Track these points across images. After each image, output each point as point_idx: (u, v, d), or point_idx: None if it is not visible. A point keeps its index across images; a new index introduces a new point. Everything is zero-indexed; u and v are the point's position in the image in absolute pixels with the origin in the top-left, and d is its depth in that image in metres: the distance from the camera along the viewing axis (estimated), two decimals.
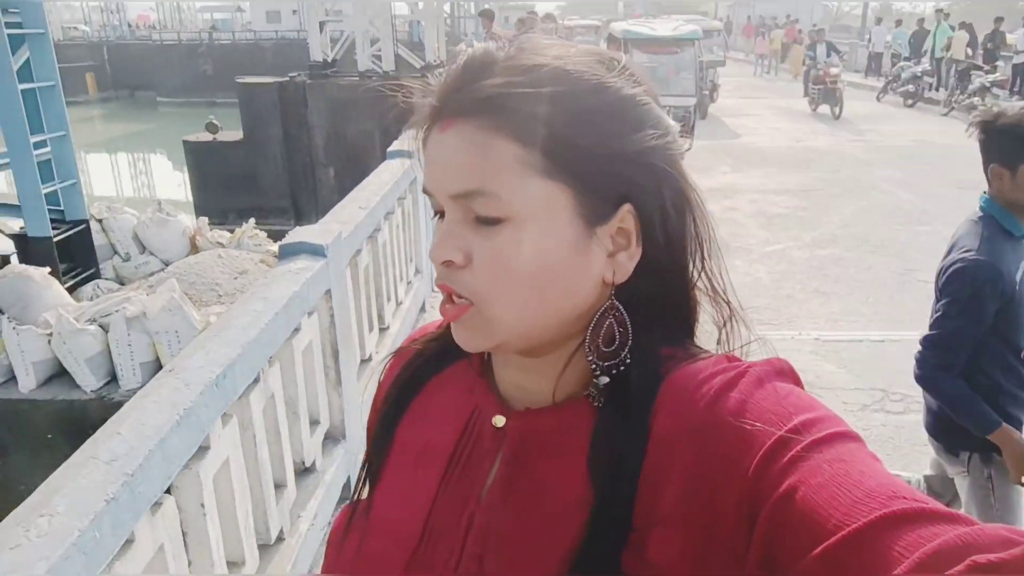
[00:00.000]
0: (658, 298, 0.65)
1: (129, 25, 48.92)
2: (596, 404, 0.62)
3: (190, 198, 20.03)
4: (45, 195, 5.48)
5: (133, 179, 28.75)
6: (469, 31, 31.73)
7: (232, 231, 6.38)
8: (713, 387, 0.59)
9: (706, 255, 0.66)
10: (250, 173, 19.40)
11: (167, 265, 6.05)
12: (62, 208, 5.81)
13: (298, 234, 3.09)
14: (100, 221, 6.05)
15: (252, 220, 6.59)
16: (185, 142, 19.94)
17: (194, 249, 6.31)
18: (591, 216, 0.60)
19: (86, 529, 1.46)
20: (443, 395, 0.74)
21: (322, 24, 19.71)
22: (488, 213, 0.59)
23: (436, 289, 0.67)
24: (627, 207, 0.61)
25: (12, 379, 4.59)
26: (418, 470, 0.70)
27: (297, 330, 2.72)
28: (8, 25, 5.27)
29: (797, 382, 0.61)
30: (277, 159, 19.30)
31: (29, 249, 5.53)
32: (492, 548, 0.63)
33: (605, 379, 0.63)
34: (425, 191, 0.64)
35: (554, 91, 0.58)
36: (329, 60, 19.38)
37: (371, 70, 18.96)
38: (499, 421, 0.67)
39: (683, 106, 9.73)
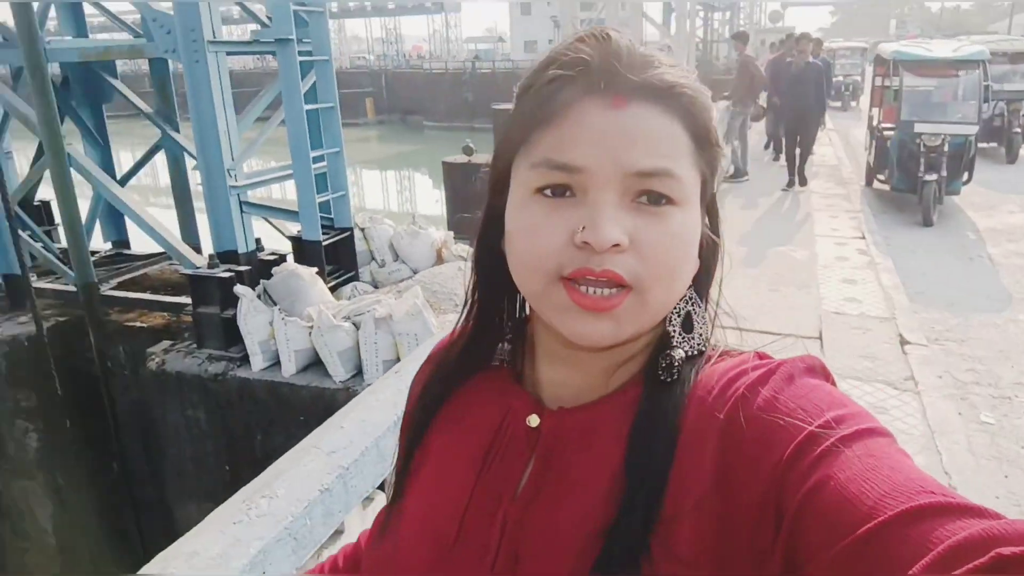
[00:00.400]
0: (702, 294, 0.69)
1: (405, 56, 54.16)
2: (667, 379, 0.64)
3: (444, 213, 21.66)
4: (319, 204, 6.13)
5: (399, 194, 31.66)
6: (721, 55, 30.86)
7: None
8: (744, 383, 0.60)
9: (718, 258, 0.70)
10: None
11: (415, 273, 6.49)
12: (332, 216, 6.47)
13: None
14: (363, 230, 6.65)
15: None
16: (443, 163, 21.59)
17: (439, 260, 6.71)
18: (702, 207, 0.66)
19: (299, 515, 1.52)
20: (475, 399, 0.74)
21: None
22: (669, 194, 0.60)
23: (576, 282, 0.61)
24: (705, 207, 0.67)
25: (276, 364, 5.15)
26: (452, 471, 0.71)
27: None
28: (300, 53, 6.00)
29: (828, 379, 0.62)
30: None
31: (302, 250, 6.21)
32: (527, 544, 0.63)
33: (680, 353, 0.65)
34: (565, 165, 0.60)
35: (707, 94, 0.64)
36: None
37: None
38: (534, 421, 0.68)
39: (961, 134, 8.51)
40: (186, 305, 5.77)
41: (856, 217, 8.48)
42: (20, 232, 6.04)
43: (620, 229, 0.58)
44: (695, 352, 0.66)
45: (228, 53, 5.92)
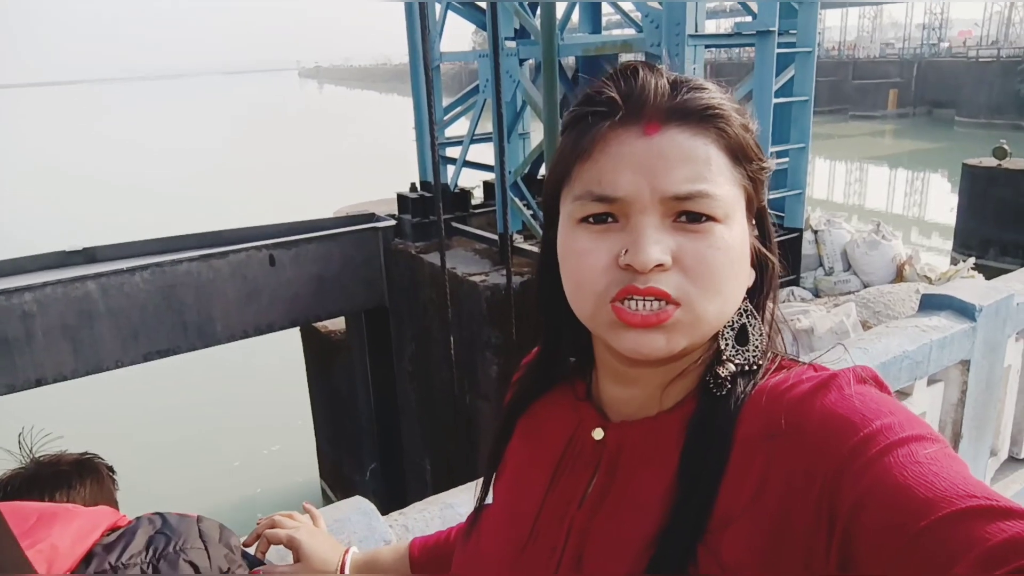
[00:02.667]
0: (756, 306, 0.70)
1: (947, 42, 47.69)
2: (719, 392, 0.65)
3: (953, 224, 18.84)
4: (771, 201, 6.00)
5: (906, 196, 28.45)
6: None
7: (971, 265, 5.76)
8: (796, 395, 0.61)
9: (772, 269, 0.71)
10: None
11: (865, 287, 5.91)
12: (783, 214, 6.26)
13: (952, 287, 2.63)
14: (816, 232, 6.29)
15: (971, 260, 5.82)
16: (965, 165, 18.67)
17: (899, 278, 5.97)
18: (749, 221, 0.67)
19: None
20: (549, 412, 0.80)
21: None
22: (709, 212, 0.62)
23: (631, 303, 0.63)
24: (753, 220, 0.69)
25: None
26: (528, 478, 0.77)
27: (904, 393, 2.37)
28: (782, 45, 5.86)
29: (882, 387, 0.62)
30: None
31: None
32: (590, 548, 0.68)
33: (732, 367, 0.67)
34: (604, 196, 0.63)
35: (739, 109, 0.66)
36: None
37: None
38: (598, 434, 0.73)
39: None
40: None
41: None
42: (516, 200, 7.24)
43: (661, 249, 0.61)
44: (750, 364, 0.67)
45: (707, 46, 6.10)
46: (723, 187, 0.63)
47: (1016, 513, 0.46)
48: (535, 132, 8.47)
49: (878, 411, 0.57)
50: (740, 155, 0.65)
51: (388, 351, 8.55)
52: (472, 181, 9.08)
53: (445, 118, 8.51)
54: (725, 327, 0.67)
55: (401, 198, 8.32)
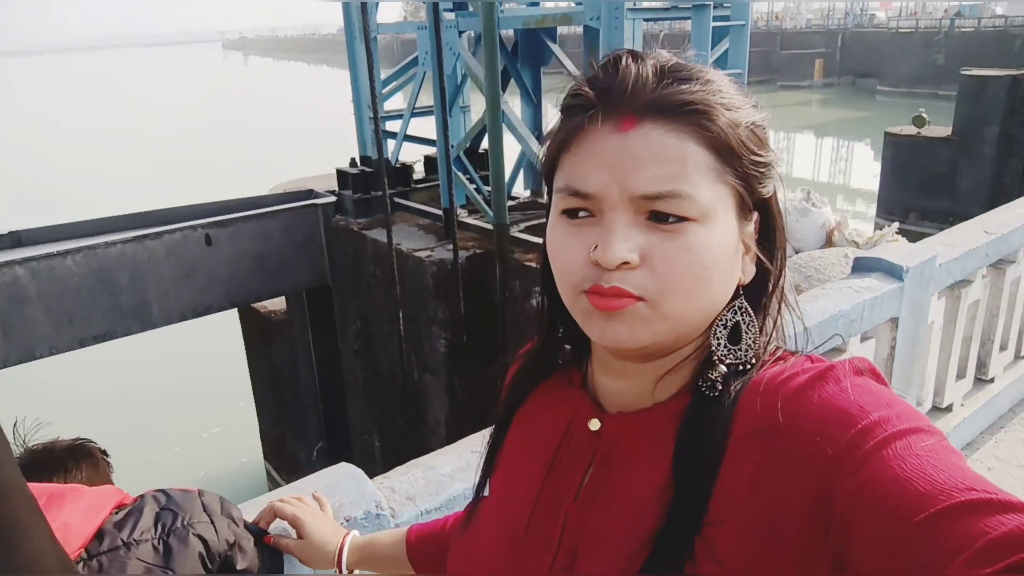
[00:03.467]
0: (757, 304, 0.69)
1: (870, 13, 49.15)
2: (711, 393, 0.65)
3: (876, 190, 19.60)
4: None
5: (832, 164, 29.43)
6: None
7: (895, 230, 6.05)
8: (792, 387, 0.61)
9: (782, 269, 0.70)
10: (949, 173, 17.81)
11: (797, 253, 6.15)
12: None
13: (881, 251, 2.79)
14: None
15: (895, 225, 6.10)
16: (887, 133, 19.39)
17: (829, 243, 6.23)
18: (741, 218, 0.65)
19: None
20: (546, 402, 0.79)
21: None
22: (680, 213, 0.61)
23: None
24: (755, 215, 0.67)
25: None
26: (525, 470, 0.76)
27: (839, 350, 2.51)
28: (717, 19, 5.99)
29: (879, 379, 0.62)
30: (984, 161, 17.20)
31: None
32: (584, 542, 0.68)
33: (723, 369, 0.65)
34: (577, 191, 0.63)
35: (730, 102, 0.63)
36: None
37: None
38: (595, 425, 0.72)
39: None
40: None
41: None
42: (459, 175, 7.25)
43: (628, 247, 0.61)
44: (743, 362, 0.66)
45: (645, 19, 6.19)
46: (701, 186, 0.61)
47: (1015, 506, 0.46)
48: (476, 105, 8.45)
49: (875, 403, 0.57)
50: (726, 152, 0.62)
51: (332, 329, 8.49)
52: (411, 156, 9.03)
53: (383, 91, 8.40)
54: (717, 325, 0.67)
55: (341, 174, 8.22)
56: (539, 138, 7.98)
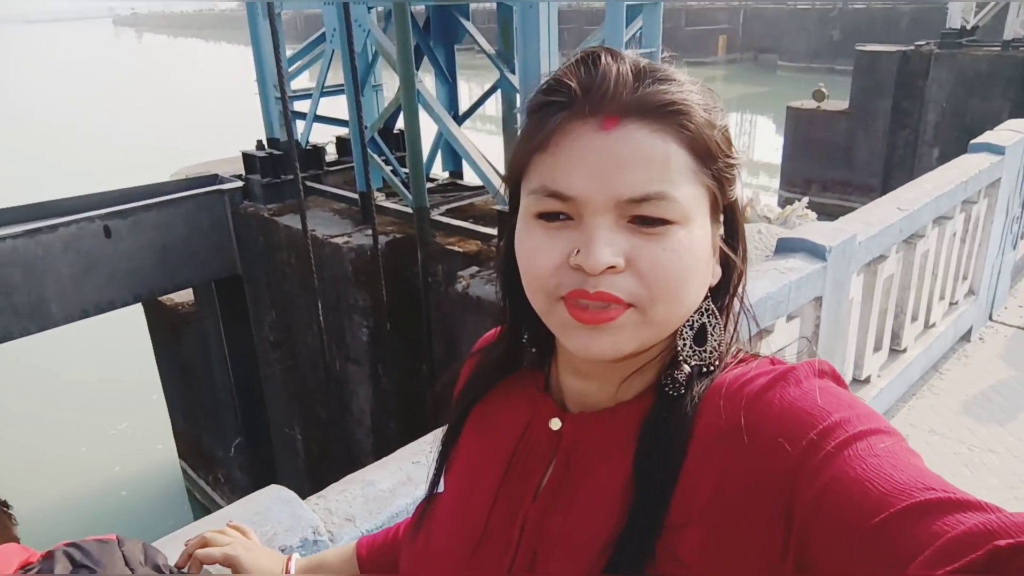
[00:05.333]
0: (719, 305, 0.68)
1: None
2: (674, 393, 0.64)
3: (779, 163, 20.31)
4: None
5: (736, 139, 30.24)
6: None
7: (802, 205, 6.21)
8: (753, 389, 0.61)
9: (739, 269, 0.69)
10: (846, 146, 18.62)
11: None
12: None
13: (803, 231, 2.83)
14: None
15: (805, 200, 6.28)
16: (788, 108, 20.08)
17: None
18: (714, 220, 0.65)
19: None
20: (505, 400, 0.77)
21: None
22: (664, 216, 0.59)
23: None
24: (721, 217, 0.67)
25: None
26: (481, 470, 0.74)
27: (766, 331, 2.54)
28: None
29: (838, 381, 0.62)
30: (878, 134, 18.05)
31: None
32: (544, 544, 0.66)
33: (688, 369, 0.65)
34: (557, 193, 0.60)
35: (706, 103, 0.63)
36: (968, 27, 16.99)
37: (1020, 39, 15.97)
38: (556, 424, 0.71)
39: None
40: (495, 236, 6.28)
41: None
42: (375, 156, 7.03)
43: (613, 252, 0.59)
44: (708, 363, 0.66)
45: None
46: (682, 188, 0.60)
47: (972, 505, 0.46)
48: (388, 83, 8.21)
49: (836, 405, 0.57)
50: (704, 153, 0.62)
51: (245, 320, 8.16)
52: (322, 137, 8.72)
53: (289, 69, 8.06)
54: (684, 326, 0.66)
55: (248, 157, 7.84)
56: (456, 117, 7.89)
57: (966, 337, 4.18)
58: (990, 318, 4.46)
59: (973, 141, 4.04)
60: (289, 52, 8.33)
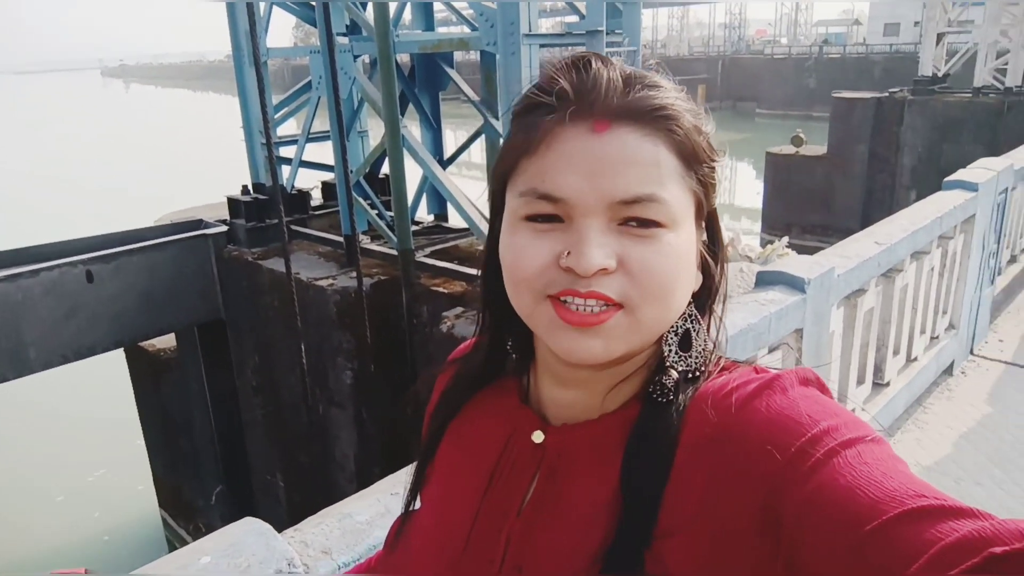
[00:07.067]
0: (701, 312, 0.68)
1: (747, 41, 52.07)
2: (662, 400, 0.64)
3: (760, 207, 20.62)
4: None
5: (718, 184, 30.70)
6: None
7: (780, 245, 6.31)
8: (739, 397, 0.60)
9: (722, 275, 0.70)
10: (825, 189, 18.95)
11: None
12: None
13: (782, 264, 2.86)
14: None
15: (785, 239, 6.38)
16: (768, 153, 20.47)
17: None
18: (698, 225, 0.65)
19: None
20: (484, 413, 0.76)
21: (940, 36, 17.84)
22: (655, 218, 0.59)
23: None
24: (703, 224, 0.67)
25: None
26: (462, 485, 0.73)
27: (750, 363, 2.54)
28: (610, 44, 6.12)
29: (823, 389, 0.62)
30: (856, 178, 18.39)
31: None
32: (529, 559, 0.65)
33: (675, 375, 0.65)
34: (548, 195, 0.60)
35: (692, 108, 0.64)
36: (940, 75, 17.50)
37: (989, 86, 16.45)
38: (538, 437, 0.70)
39: None
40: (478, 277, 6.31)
41: None
42: (360, 200, 7.08)
43: (605, 253, 0.59)
44: (693, 369, 0.66)
45: (541, 45, 6.25)
46: (672, 191, 0.60)
47: (965, 512, 0.46)
48: (374, 130, 8.31)
49: (823, 413, 0.57)
50: (691, 158, 0.62)
51: (227, 365, 8.08)
52: (308, 182, 8.77)
53: (275, 116, 8.15)
54: (669, 332, 0.66)
55: (233, 202, 7.88)
56: (441, 162, 7.99)
57: (948, 371, 4.20)
58: (971, 352, 4.49)
59: (947, 179, 4.12)
60: (275, 100, 8.44)
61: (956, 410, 3.91)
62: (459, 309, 6.22)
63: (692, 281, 0.65)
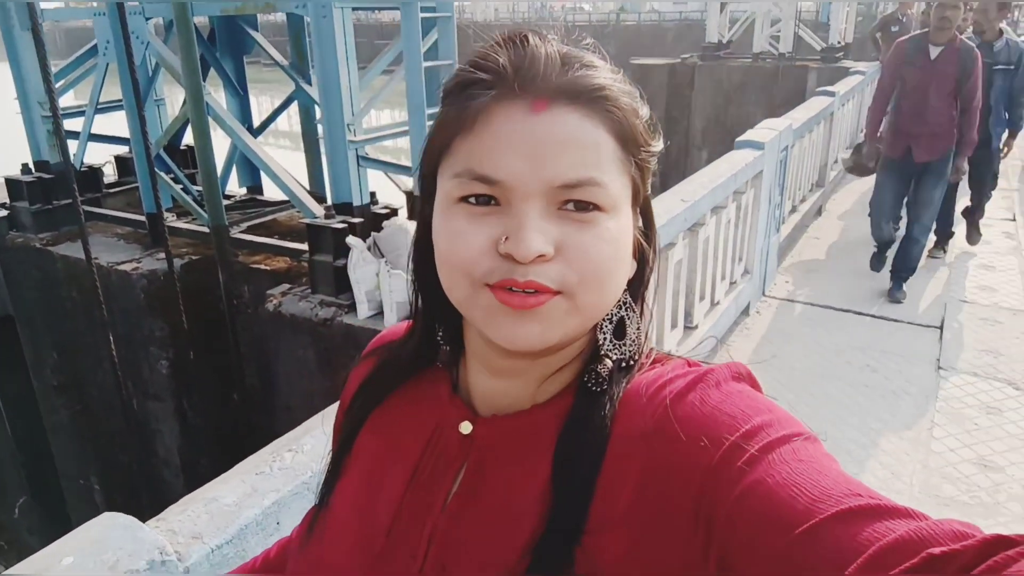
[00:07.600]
0: (633, 300, 0.67)
1: (549, 8, 53.40)
2: (597, 389, 0.63)
3: None
4: None
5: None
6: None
7: None
8: (671, 391, 0.60)
9: (651, 262, 0.69)
10: None
11: None
12: None
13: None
14: None
15: None
16: None
17: None
18: (634, 211, 0.64)
19: (320, 471, 1.62)
20: (409, 402, 0.73)
21: (723, 4, 19.36)
22: (596, 201, 0.58)
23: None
24: (638, 209, 0.66)
25: (380, 313, 5.41)
26: (383, 477, 0.70)
27: None
28: (424, 10, 6.10)
29: (755, 385, 0.62)
30: None
31: (414, 205, 6.41)
32: (455, 556, 0.63)
33: (609, 363, 0.65)
34: (484, 177, 0.58)
35: (630, 91, 0.62)
36: (724, 41, 19.00)
37: (766, 52, 18.16)
38: (466, 428, 0.68)
39: None
40: (304, 252, 6.12)
41: (1009, 196, 7.69)
42: (163, 175, 6.58)
43: (544, 239, 0.57)
44: (627, 359, 0.65)
45: (354, 9, 6.10)
46: (611, 175, 0.59)
47: (900, 512, 0.46)
48: (172, 97, 7.72)
49: (756, 408, 0.57)
50: (629, 142, 0.61)
51: (21, 366, 7.28)
52: (97, 158, 8.00)
53: (57, 85, 7.32)
54: (604, 320, 0.65)
55: (12, 183, 7.01)
56: (251, 130, 7.57)
57: (746, 312, 4.72)
58: (763, 293, 5.07)
59: (738, 139, 4.57)
60: (54, 68, 7.57)
61: (754, 345, 4.42)
62: (285, 286, 6.01)
63: (628, 268, 0.64)
